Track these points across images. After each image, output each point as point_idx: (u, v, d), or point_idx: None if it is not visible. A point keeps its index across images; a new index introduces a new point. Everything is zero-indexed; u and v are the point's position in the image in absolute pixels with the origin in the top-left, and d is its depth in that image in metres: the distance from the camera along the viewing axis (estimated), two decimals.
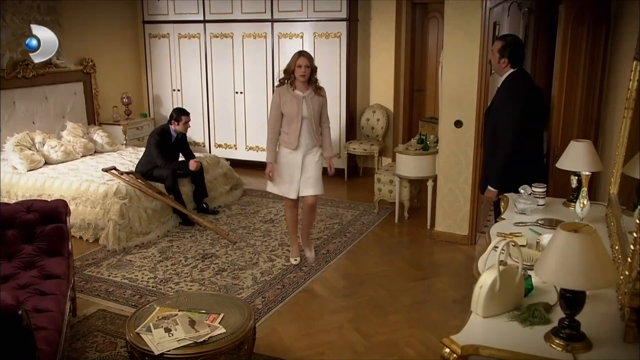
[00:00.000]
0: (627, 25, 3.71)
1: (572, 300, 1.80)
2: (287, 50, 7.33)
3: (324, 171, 4.63)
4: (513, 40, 3.73)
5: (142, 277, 4.43)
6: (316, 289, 4.25)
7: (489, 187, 3.74)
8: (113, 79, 7.84)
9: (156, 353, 2.60)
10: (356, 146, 7.17)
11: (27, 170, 5.76)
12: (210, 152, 7.83)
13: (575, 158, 3.00)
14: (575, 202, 2.94)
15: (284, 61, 7.35)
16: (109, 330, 3.62)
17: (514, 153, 3.59)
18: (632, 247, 1.93)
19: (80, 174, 5.71)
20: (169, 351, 2.61)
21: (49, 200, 4.26)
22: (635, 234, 1.91)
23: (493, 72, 4.91)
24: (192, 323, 2.77)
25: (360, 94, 7.45)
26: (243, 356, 2.88)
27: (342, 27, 7.00)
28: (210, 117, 8.04)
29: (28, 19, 6.27)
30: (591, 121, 4.42)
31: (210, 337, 2.69)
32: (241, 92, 7.75)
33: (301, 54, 4.34)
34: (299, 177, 4.43)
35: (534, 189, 3.16)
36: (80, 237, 5.25)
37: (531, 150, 3.72)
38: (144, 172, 5.64)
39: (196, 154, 6.17)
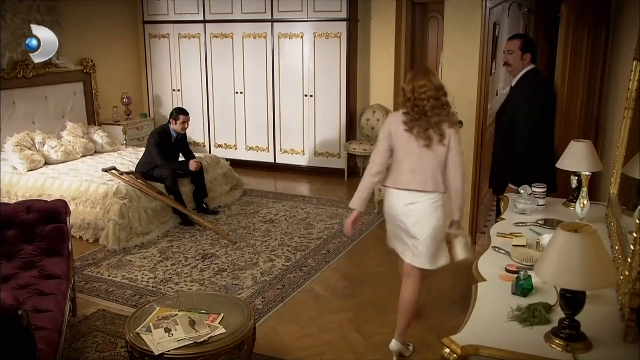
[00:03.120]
0: (627, 25, 3.70)
1: (572, 300, 1.80)
2: (287, 51, 7.35)
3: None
4: (529, 36, 3.88)
5: (142, 277, 4.43)
6: (316, 289, 4.25)
7: (510, 185, 3.71)
8: (113, 79, 7.84)
9: (156, 353, 2.60)
10: (356, 146, 7.17)
11: (27, 170, 5.76)
12: (210, 152, 7.83)
13: (575, 158, 3.00)
14: (575, 202, 2.95)
15: (284, 61, 7.40)
16: (109, 330, 3.62)
17: (533, 150, 3.63)
18: (632, 247, 1.93)
19: (80, 174, 5.71)
20: (169, 351, 2.61)
21: (49, 200, 4.27)
22: (635, 234, 1.91)
23: (494, 72, 4.92)
24: (192, 323, 2.77)
25: (360, 94, 7.45)
26: (243, 356, 2.88)
27: (342, 27, 7.00)
28: (210, 117, 8.04)
29: (28, 19, 6.27)
30: (591, 121, 4.42)
31: (210, 337, 2.69)
32: (241, 92, 7.75)
33: None
34: None
35: (534, 189, 3.16)
36: (80, 237, 5.25)
37: (546, 148, 3.76)
38: (144, 172, 5.64)
39: (196, 154, 6.17)
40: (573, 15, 4.19)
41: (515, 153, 3.71)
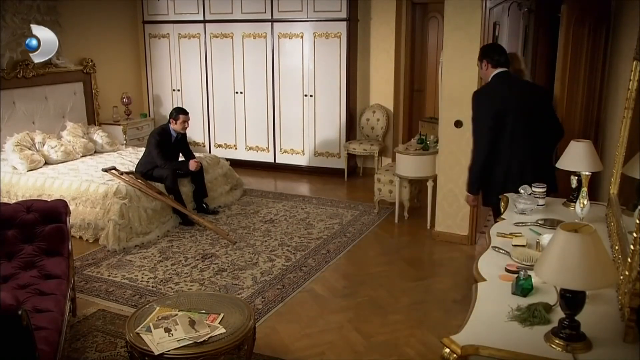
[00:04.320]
0: (627, 25, 3.71)
1: (572, 300, 1.80)
2: (287, 50, 7.35)
3: None
4: (486, 44, 3.94)
5: (142, 277, 4.43)
6: (316, 289, 4.25)
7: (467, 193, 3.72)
8: (113, 79, 7.84)
9: (156, 353, 2.60)
10: (356, 146, 7.17)
11: (27, 170, 5.76)
12: (210, 152, 7.83)
13: (575, 158, 3.00)
14: (575, 202, 2.95)
15: (284, 61, 7.40)
16: (109, 330, 3.62)
17: (485, 158, 3.54)
18: (632, 247, 1.93)
19: (80, 174, 5.71)
20: (169, 351, 2.61)
21: (49, 200, 4.26)
22: (635, 234, 1.91)
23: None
24: (192, 323, 2.77)
25: (360, 94, 7.46)
26: (243, 356, 2.88)
27: (342, 27, 7.00)
28: (210, 117, 8.04)
29: (28, 19, 6.27)
30: (591, 121, 4.42)
31: (210, 337, 2.69)
32: (241, 92, 7.75)
33: None
34: None
35: (534, 189, 3.16)
36: (80, 237, 5.25)
37: (512, 154, 3.52)
38: (144, 172, 5.64)
39: (196, 154, 6.17)
40: (573, 16, 4.19)
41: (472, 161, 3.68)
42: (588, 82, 4.32)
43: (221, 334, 2.72)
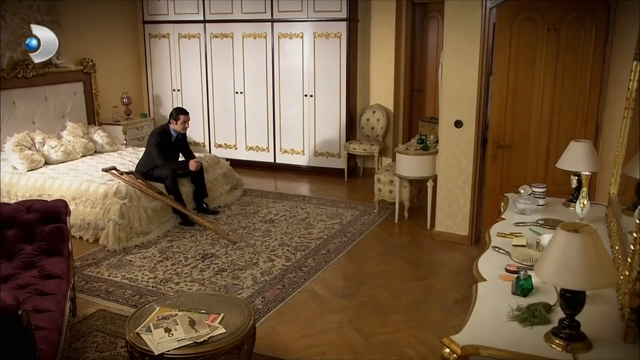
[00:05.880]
0: (627, 25, 3.70)
1: (572, 300, 1.80)
2: (287, 50, 7.35)
3: None
4: None
5: (142, 277, 4.43)
6: (316, 289, 4.25)
7: None
8: (113, 79, 7.84)
9: (156, 353, 2.60)
10: (356, 146, 7.17)
11: (27, 170, 5.76)
12: (210, 152, 7.83)
13: (575, 158, 3.00)
14: (575, 202, 2.95)
15: (284, 61, 7.40)
16: (109, 330, 3.62)
17: None
18: (632, 247, 1.93)
19: (80, 174, 5.71)
20: (169, 351, 2.61)
21: (49, 200, 4.26)
22: (635, 234, 1.91)
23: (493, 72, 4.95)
24: (192, 323, 2.77)
25: (360, 94, 7.46)
26: (243, 356, 2.88)
27: (342, 27, 7.00)
28: (210, 117, 8.04)
29: (28, 19, 6.27)
30: (592, 121, 4.43)
31: (210, 337, 2.69)
32: (241, 92, 7.75)
33: None
34: None
35: (534, 189, 3.16)
36: (80, 237, 5.25)
37: None
38: (144, 172, 5.64)
39: (196, 154, 6.17)
40: (512, 14, 4.40)
41: None
42: (561, 84, 4.45)
43: (221, 334, 2.72)
